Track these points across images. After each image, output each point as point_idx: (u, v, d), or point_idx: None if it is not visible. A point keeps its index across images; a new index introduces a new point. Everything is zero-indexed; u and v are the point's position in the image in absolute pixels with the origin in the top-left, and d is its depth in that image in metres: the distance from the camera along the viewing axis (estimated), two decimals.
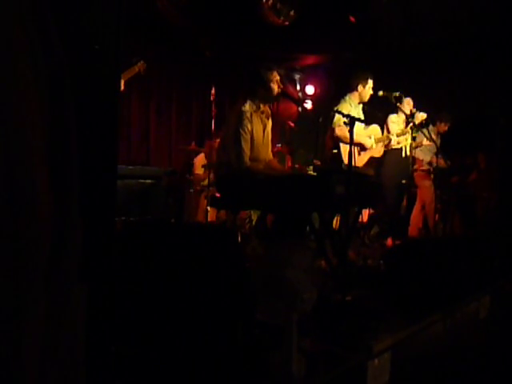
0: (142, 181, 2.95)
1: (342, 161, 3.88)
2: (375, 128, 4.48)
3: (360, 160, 4.30)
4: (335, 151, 4.03)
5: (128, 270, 1.94)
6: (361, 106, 4.30)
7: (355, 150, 4.23)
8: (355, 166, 3.51)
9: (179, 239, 2.01)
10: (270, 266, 1.90)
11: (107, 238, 1.58)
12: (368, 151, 4.34)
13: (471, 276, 3.21)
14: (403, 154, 4.57)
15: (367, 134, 4.33)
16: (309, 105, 6.96)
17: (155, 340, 1.86)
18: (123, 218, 2.30)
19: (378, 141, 4.37)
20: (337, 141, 4.00)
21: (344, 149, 3.90)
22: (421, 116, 4.71)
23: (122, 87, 3.37)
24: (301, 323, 1.91)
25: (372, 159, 4.42)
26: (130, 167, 3.12)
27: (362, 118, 4.34)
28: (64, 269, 0.43)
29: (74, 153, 0.45)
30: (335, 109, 3.98)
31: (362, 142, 4.24)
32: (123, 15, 1.65)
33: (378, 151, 4.43)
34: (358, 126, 3.75)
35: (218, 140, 4.55)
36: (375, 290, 2.93)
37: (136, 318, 1.90)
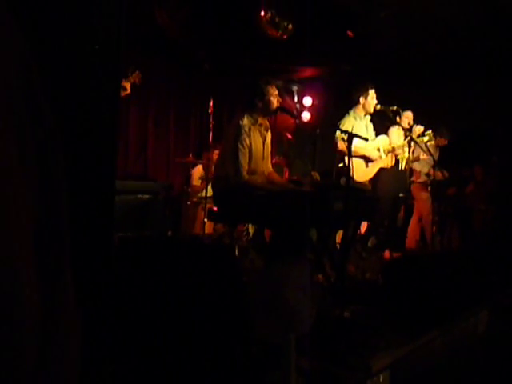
0: (140, 196, 2.95)
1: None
2: (384, 139, 4.44)
3: (369, 172, 4.27)
4: (341, 165, 4.03)
5: (124, 287, 1.93)
6: (368, 117, 4.29)
7: (362, 162, 4.23)
8: (354, 181, 3.51)
9: (176, 257, 2.00)
10: (269, 284, 1.89)
11: (105, 262, 1.57)
12: (376, 162, 4.29)
13: (469, 290, 3.20)
14: (401, 167, 4.57)
15: (375, 146, 4.29)
16: (307, 116, 6.99)
17: (151, 358, 1.84)
18: (120, 233, 2.29)
19: (386, 152, 4.34)
20: (341, 154, 4.01)
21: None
22: (418, 129, 4.73)
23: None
24: (299, 341, 1.90)
25: (381, 170, 4.38)
26: (127, 182, 3.10)
27: (371, 129, 4.35)
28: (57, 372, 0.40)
29: (67, 231, 0.43)
30: (338, 123, 4.00)
31: (367, 154, 4.21)
32: (122, 29, 1.66)
33: (387, 162, 4.40)
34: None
35: (217, 152, 4.56)
36: (373, 305, 2.91)
37: (133, 334, 1.88)
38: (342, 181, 2.76)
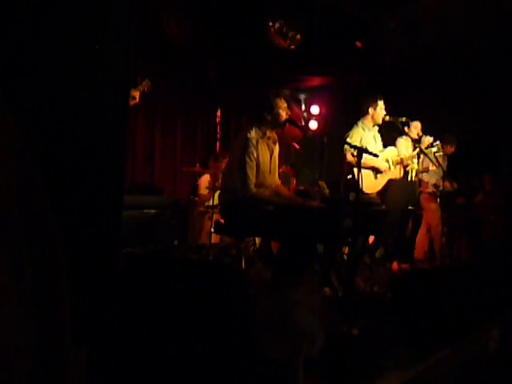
0: (146, 211, 2.94)
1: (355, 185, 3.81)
2: (392, 150, 4.40)
3: (378, 184, 4.22)
4: (350, 176, 4.00)
5: (129, 303, 1.91)
6: (376, 128, 4.26)
7: (371, 174, 4.20)
8: (363, 194, 3.47)
9: (182, 274, 1.97)
10: (277, 305, 1.85)
11: (111, 278, 1.55)
12: (385, 174, 4.25)
13: (480, 306, 3.15)
14: (410, 179, 4.52)
15: (383, 157, 4.25)
16: (314, 125, 6.96)
17: (157, 375, 1.82)
18: (127, 248, 2.27)
19: (395, 163, 4.30)
20: (350, 166, 3.98)
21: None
22: (427, 140, 4.68)
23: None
24: (307, 360, 1.86)
25: (390, 182, 4.34)
26: (134, 197, 3.09)
27: (379, 140, 4.32)
28: None
29: (68, 352, 0.40)
30: (347, 135, 3.97)
31: (376, 165, 4.15)
32: (132, 39, 1.65)
33: (396, 173, 4.36)
34: (373, 150, 3.73)
35: (225, 160, 4.54)
36: (382, 320, 2.86)
37: (139, 351, 1.86)
38: (352, 196, 2.72)
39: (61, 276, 0.40)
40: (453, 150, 5.32)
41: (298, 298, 1.91)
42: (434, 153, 4.54)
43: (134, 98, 3.61)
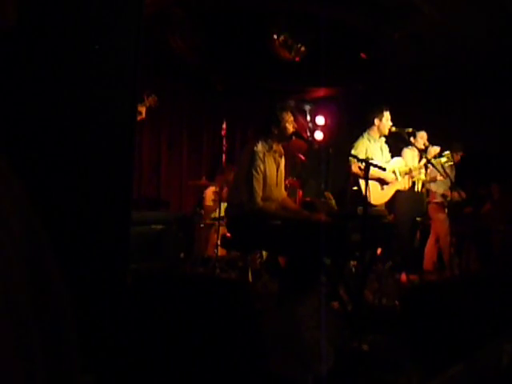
0: (154, 226, 2.94)
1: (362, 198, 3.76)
2: (399, 161, 4.35)
3: (384, 195, 4.18)
4: (355, 188, 3.97)
5: (136, 325, 1.89)
6: (383, 139, 4.23)
7: (377, 185, 4.16)
8: (370, 206, 3.44)
9: (188, 291, 1.96)
10: (285, 321, 1.83)
11: (119, 297, 1.53)
12: (392, 185, 4.20)
13: (492, 319, 3.09)
14: (417, 189, 4.48)
15: (390, 169, 4.19)
16: (319, 136, 6.95)
17: None
18: (134, 264, 2.27)
19: (403, 174, 4.26)
20: (356, 177, 3.95)
21: (364, 186, 3.82)
22: (433, 150, 4.65)
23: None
24: (316, 377, 1.83)
25: (398, 192, 4.29)
26: (141, 213, 3.09)
27: (386, 151, 4.30)
28: None
29: None
30: (352, 146, 3.96)
31: (382, 177, 4.11)
32: (139, 57, 1.65)
33: (403, 184, 4.30)
34: (379, 161, 3.69)
35: (231, 173, 4.54)
36: (392, 335, 2.82)
37: (145, 367, 1.84)
38: (359, 210, 2.70)
39: (71, 347, 0.39)
40: (459, 157, 5.26)
41: (306, 313, 1.88)
42: (444, 163, 4.49)
43: (141, 114, 3.62)
